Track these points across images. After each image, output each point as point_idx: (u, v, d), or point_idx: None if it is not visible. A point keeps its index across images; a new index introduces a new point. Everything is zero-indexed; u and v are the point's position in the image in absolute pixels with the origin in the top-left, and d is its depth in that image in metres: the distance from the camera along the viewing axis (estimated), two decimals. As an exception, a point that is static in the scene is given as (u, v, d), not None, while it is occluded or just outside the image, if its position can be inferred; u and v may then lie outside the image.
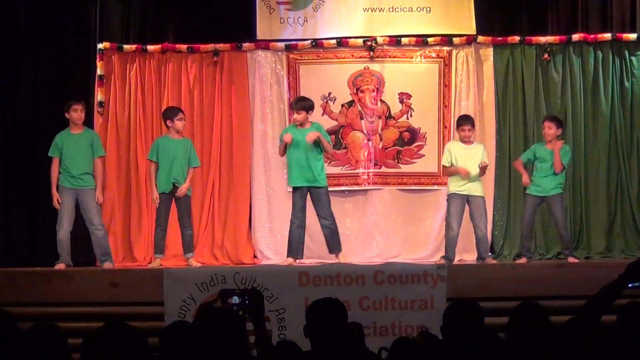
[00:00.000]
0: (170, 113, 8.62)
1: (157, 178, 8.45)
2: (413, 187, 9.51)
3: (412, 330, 6.95)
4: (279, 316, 7.19)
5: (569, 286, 7.29)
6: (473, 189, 8.43)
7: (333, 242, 8.42)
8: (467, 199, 8.43)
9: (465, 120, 8.64)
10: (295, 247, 8.40)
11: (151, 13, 9.75)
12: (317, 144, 8.35)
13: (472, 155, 8.45)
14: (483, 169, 8.43)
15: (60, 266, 8.13)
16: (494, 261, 8.68)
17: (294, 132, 8.41)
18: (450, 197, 8.49)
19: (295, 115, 8.45)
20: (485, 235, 8.53)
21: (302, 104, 8.47)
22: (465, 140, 8.52)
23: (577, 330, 3.54)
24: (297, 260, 8.40)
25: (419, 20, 9.51)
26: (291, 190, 9.12)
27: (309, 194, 8.40)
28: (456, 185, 8.45)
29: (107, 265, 8.30)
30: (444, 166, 8.70)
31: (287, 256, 8.43)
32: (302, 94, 9.38)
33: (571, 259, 8.38)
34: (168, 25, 9.74)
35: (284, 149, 8.43)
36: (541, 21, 9.61)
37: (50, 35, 9.50)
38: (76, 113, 8.35)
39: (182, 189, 8.42)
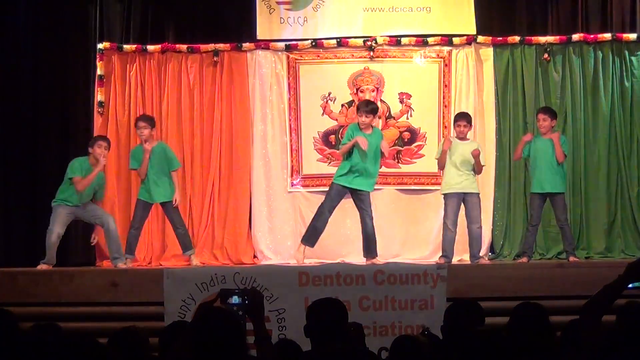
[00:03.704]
0: (135, 121, 8.71)
1: (142, 186, 8.50)
2: (413, 187, 9.51)
3: (412, 330, 6.93)
4: (279, 316, 7.20)
5: (569, 286, 7.30)
6: (468, 186, 8.43)
7: (372, 246, 8.35)
8: (462, 197, 8.43)
9: (461, 117, 8.66)
10: (317, 237, 8.37)
11: (151, 13, 9.75)
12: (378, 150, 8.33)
13: (466, 150, 8.44)
14: (476, 156, 8.39)
15: (43, 267, 8.09)
16: (488, 262, 8.68)
17: (359, 134, 8.25)
18: (446, 196, 8.49)
19: (364, 118, 8.26)
20: (480, 234, 8.52)
21: (371, 107, 8.38)
22: (461, 137, 8.52)
23: (577, 330, 3.54)
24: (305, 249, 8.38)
25: (419, 20, 9.51)
26: (291, 190, 9.21)
27: (350, 194, 8.38)
28: (449, 182, 8.45)
29: (120, 264, 8.27)
30: (436, 159, 8.68)
31: (302, 241, 8.42)
32: (302, 94, 9.39)
33: (572, 259, 8.39)
34: (168, 25, 9.74)
35: (350, 150, 8.30)
36: (541, 21, 9.61)
37: (50, 35, 9.50)
38: (100, 149, 8.32)
39: (176, 199, 8.51)
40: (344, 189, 8.36)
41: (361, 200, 8.35)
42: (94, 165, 8.28)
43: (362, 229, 8.39)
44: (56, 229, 8.20)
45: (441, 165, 8.58)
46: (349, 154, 8.32)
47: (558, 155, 8.36)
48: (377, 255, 8.34)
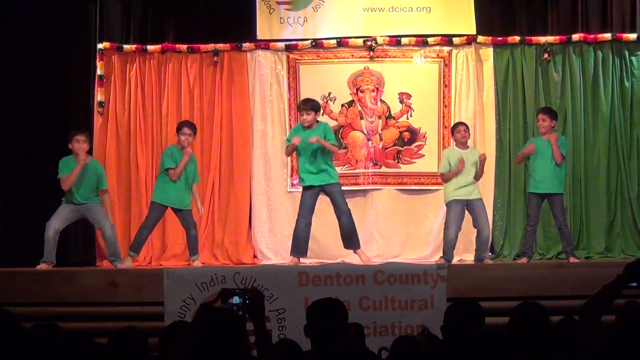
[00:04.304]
0: (179, 126, 8.62)
1: (165, 189, 8.43)
2: (413, 187, 9.51)
3: (412, 330, 6.94)
4: (279, 316, 7.19)
5: (569, 286, 7.30)
6: (471, 192, 8.42)
7: (350, 238, 8.40)
8: (466, 204, 8.42)
9: (460, 123, 8.69)
10: (302, 246, 8.38)
11: (151, 13, 9.76)
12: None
13: (469, 159, 8.44)
14: (483, 161, 8.41)
15: (42, 266, 8.07)
16: (488, 261, 8.68)
17: (301, 133, 8.38)
18: (450, 204, 8.46)
19: (305, 116, 8.36)
20: (488, 237, 8.52)
21: (311, 105, 8.44)
22: (462, 142, 8.50)
23: (576, 329, 3.54)
24: (301, 259, 8.40)
25: (419, 20, 9.52)
26: (291, 190, 9.24)
27: (322, 193, 8.41)
28: (453, 192, 8.43)
29: (119, 265, 8.29)
30: (441, 174, 8.65)
31: (291, 254, 8.42)
32: (302, 94, 9.39)
33: (572, 259, 8.38)
34: (168, 25, 9.74)
35: (292, 150, 8.44)
36: (541, 21, 9.62)
37: (51, 35, 9.50)
38: (78, 144, 8.27)
39: (201, 209, 8.66)
40: (310, 191, 8.38)
41: (332, 196, 8.37)
42: (78, 161, 8.27)
43: (339, 226, 8.42)
44: (53, 224, 8.19)
45: (446, 180, 8.54)
46: (298, 156, 8.40)
47: (556, 156, 8.35)
48: (359, 247, 8.39)
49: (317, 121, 8.50)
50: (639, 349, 3.12)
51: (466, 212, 8.45)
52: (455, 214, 8.39)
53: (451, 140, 8.95)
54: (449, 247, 8.41)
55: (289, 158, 9.47)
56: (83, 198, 8.28)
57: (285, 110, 9.54)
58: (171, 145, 8.67)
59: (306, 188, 8.42)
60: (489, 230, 8.52)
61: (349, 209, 8.44)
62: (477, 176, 8.52)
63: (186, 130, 8.45)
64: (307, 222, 8.38)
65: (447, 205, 8.52)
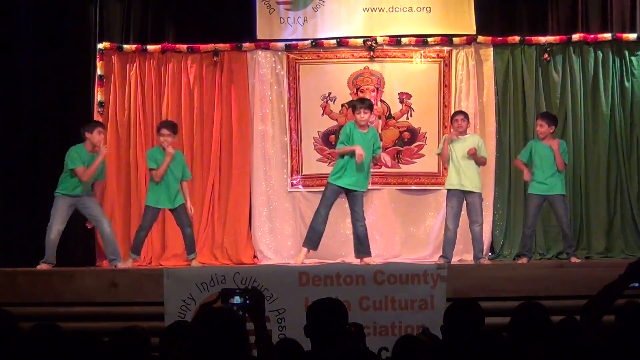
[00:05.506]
0: (158, 127, 8.61)
1: (156, 192, 8.42)
2: (413, 187, 9.51)
3: (412, 330, 6.94)
4: (279, 316, 7.20)
5: (569, 286, 7.31)
6: (470, 184, 8.41)
7: (363, 245, 8.37)
8: (464, 196, 8.43)
9: (457, 112, 8.68)
10: (316, 239, 8.38)
11: (151, 13, 9.75)
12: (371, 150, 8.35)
13: (467, 144, 8.44)
14: (473, 155, 8.39)
15: (43, 266, 8.07)
16: (489, 262, 8.68)
17: (355, 132, 8.31)
18: (448, 194, 8.48)
19: (362, 114, 8.29)
20: (480, 233, 8.50)
21: (368, 103, 8.44)
22: (460, 131, 8.51)
23: (577, 329, 3.54)
24: (310, 252, 8.40)
25: (419, 20, 9.52)
26: (291, 190, 9.24)
27: (344, 195, 8.40)
28: (453, 181, 8.44)
29: (119, 265, 8.27)
30: (438, 154, 8.68)
31: (304, 245, 8.43)
32: (302, 94, 9.40)
33: (573, 259, 8.39)
34: (168, 25, 9.74)
35: (347, 154, 8.32)
36: (541, 21, 9.62)
37: (50, 35, 9.50)
38: (100, 135, 8.29)
39: (192, 208, 8.57)
40: (338, 189, 8.39)
41: (353, 201, 8.35)
42: (91, 152, 8.24)
43: (352, 231, 8.43)
44: (56, 226, 8.19)
45: (445, 159, 8.58)
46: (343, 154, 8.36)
47: (558, 163, 8.36)
48: (369, 255, 8.35)
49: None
50: (639, 349, 3.13)
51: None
52: (452, 207, 8.42)
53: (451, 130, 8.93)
54: (446, 245, 8.43)
55: (288, 158, 9.47)
56: (84, 190, 8.27)
57: (285, 110, 9.54)
58: (155, 146, 8.68)
59: (332, 184, 8.38)
60: (480, 227, 8.48)
61: (365, 217, 8.43)
62: (480, 164, 8.52)
63: (164, 131, 8.42)
64: (326, 218, 8.38)
65: (446, 196, 8.54)
